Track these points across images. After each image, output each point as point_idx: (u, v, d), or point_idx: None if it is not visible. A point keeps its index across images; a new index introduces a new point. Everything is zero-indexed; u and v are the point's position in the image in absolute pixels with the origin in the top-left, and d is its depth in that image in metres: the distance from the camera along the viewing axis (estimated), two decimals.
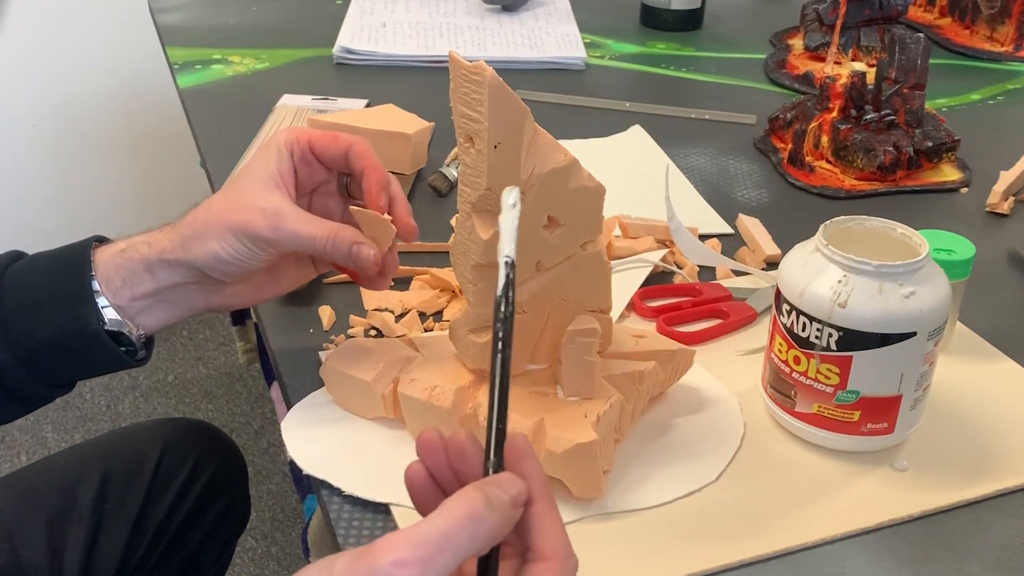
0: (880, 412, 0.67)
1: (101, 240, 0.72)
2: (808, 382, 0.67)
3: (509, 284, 0.49)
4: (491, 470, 0.45)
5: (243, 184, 0.68)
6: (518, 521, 0.44)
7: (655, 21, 1.51)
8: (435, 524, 0.41)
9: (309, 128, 0.71)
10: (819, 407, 0.68)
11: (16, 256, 0.72)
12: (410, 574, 0.39)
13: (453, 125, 0.61)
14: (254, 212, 0.65)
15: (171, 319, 0.71)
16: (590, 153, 1.02)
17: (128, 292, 0.68)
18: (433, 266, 0.86)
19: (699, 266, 0.90)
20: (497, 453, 0.46)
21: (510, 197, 0.51)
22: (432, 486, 0.47)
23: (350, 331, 0.80)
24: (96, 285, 0.68)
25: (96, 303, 0.67)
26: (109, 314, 0.68)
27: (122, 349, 0.69)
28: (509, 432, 0.47)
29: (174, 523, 0.98)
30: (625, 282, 0.86)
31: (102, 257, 0.69)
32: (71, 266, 0.69)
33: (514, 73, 1.32)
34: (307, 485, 0.83)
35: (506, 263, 0.49)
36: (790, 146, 1.10)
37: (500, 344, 0.48)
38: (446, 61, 0.61)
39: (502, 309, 0.48)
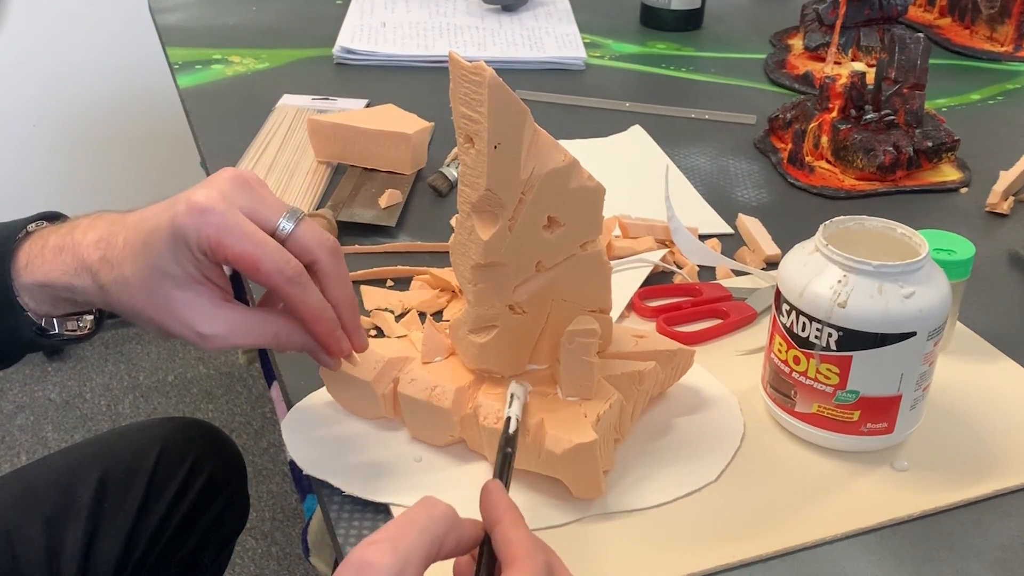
0: (880, 412, 0.67)
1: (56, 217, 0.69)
2: (808, 382, 0.67)
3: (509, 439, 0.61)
4: None
5: (170, 294, 0.60)
6: (493, 545, 0.50)
7: (655, 21, 1.51)
8: (398, 516, 0.48)
9: (222, 236, 0.58)
10: (819, 407, 0.68)
11: None
12: (382, 548, 0.45)
13: (453, 125, 0.61)
14: (191, 335, 0.61)
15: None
16: (590, 153, 1.02)
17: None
18: (433, 266, 0.86)
19: (699, 266, 0.90)
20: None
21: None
22: None
23: None
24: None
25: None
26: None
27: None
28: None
29: (172, 522, 0.98)
30: (625, 282, 0.86)
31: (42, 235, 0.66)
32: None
33: (514, 73, 1.32)
34: (307, 485, 0.83)
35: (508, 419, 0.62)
36: (790, 146, 1.10)
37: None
38: (446, 61, 0.61)
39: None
